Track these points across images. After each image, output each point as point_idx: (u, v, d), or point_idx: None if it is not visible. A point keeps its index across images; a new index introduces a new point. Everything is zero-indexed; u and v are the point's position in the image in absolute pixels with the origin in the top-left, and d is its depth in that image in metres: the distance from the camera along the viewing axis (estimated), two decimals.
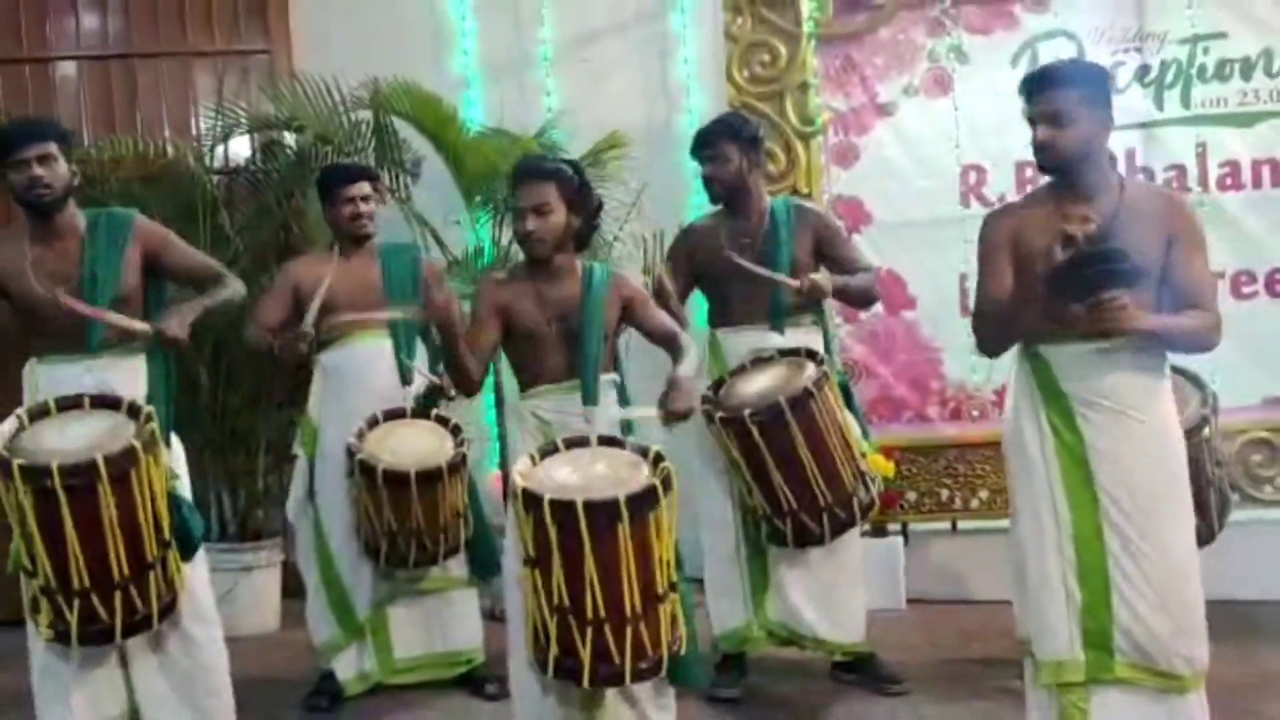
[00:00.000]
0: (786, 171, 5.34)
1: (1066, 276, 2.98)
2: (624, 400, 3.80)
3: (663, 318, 3.75)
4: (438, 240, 5.52)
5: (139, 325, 3.56)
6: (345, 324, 4.35)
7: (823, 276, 4.23)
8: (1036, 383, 3.24)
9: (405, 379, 4.40)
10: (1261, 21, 5.21)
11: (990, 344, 3.38)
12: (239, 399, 5.54)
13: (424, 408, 4.36)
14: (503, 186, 5.45)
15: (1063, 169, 3.20)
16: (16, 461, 3.21)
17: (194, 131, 5.82)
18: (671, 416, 3.45)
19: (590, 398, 3.60)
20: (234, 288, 3.81)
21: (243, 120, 5.66)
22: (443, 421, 4.32)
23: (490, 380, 5.60)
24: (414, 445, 4.19)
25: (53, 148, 3.56)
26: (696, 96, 5.77)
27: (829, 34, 5.39)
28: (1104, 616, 3.13)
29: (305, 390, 4.50)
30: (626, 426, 3.73)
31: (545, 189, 3.53)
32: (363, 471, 4.10)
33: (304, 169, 5.51)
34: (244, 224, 5.61)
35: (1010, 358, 3.38)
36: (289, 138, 5.65)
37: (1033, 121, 3.20)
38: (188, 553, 3.54)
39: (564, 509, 3.09)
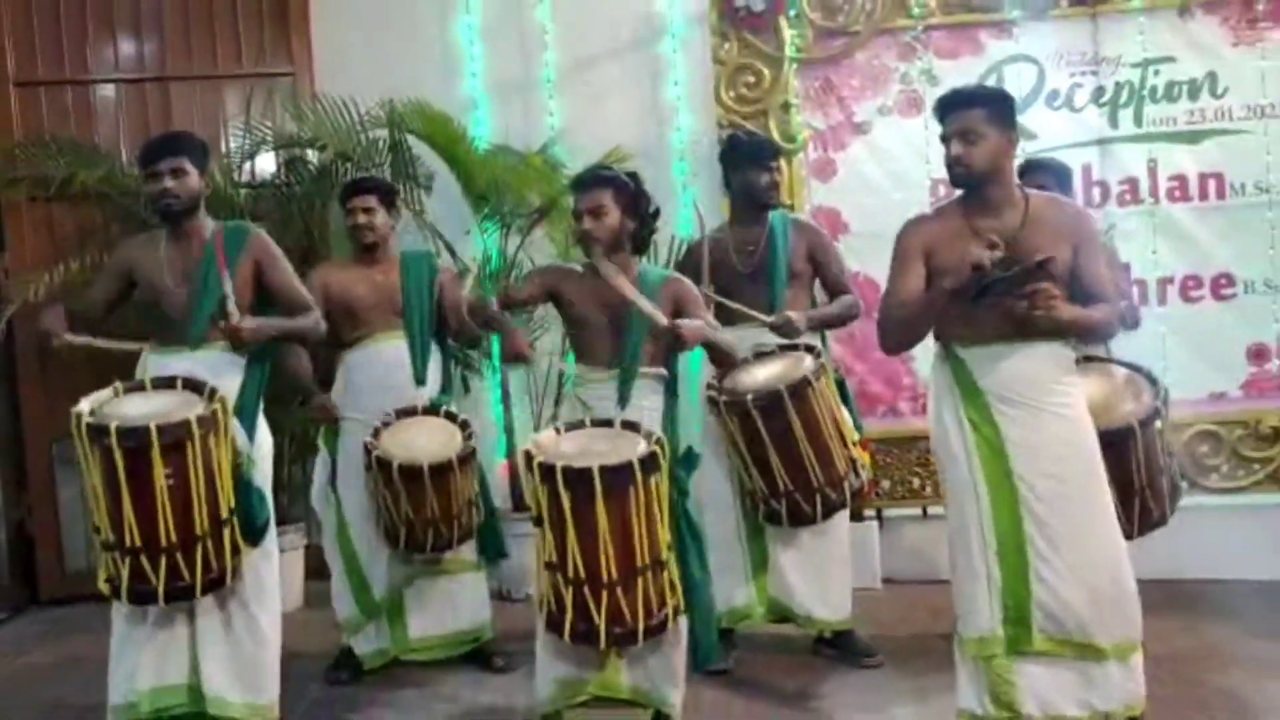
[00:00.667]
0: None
1: (988, 286, 3.05)
2: (672, 395, 3.82)
3: (708, 317, 3.79)
4: (450, 249, 5.55)
5: (233, 311, 3.65)
6: (367, 326, 4.43)
7: (799, 316, 4.25)
8: (955, 381, 3.28)
9: (420, 379, 4.46)
10: (1207, 47, 5.21)
11: (892, 341, 3.43)
12: (269, 401, 5.58)
13: (434, 405, 4.43)
14: (509, 199, 5.52)
15: (973, 184, 3.23)
16: (86, 420, 3.33)
17: (223, 148, 5.82)
18: (662, 331, 3.54)
19: (626, 389, 3.67)
20: (315, 319, 3.91)
21: (268, 138, 5.69)
22: (452, 417, 4.36)
23: (496, 377, 5.73)
24: (426, 441, 4.23)
25: (185, 162, 3.69)
26: (686, 116, 5.76)
27: (809, 58, 5.41)
28: (1023, 595, 3.17)
29: (328, 388, 4.51)
30: (669, 385, 3.81)
31: (601, 194, 3.65)
32: (380, 467, 4.15)
33: (325, 183, 5.57)
34: (270, 234, 5.63)
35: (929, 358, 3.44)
36: (311, 154, 5.67)
37: (946, 140, 3.24)
38: (250, 536, 3.62)
39: (547, 473, 3.22)
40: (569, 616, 3.30)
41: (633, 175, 3.79)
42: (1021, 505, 3.19)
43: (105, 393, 3.53)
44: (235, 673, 3.66)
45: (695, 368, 4.70)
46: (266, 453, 3.84)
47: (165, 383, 3.58)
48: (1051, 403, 3.23)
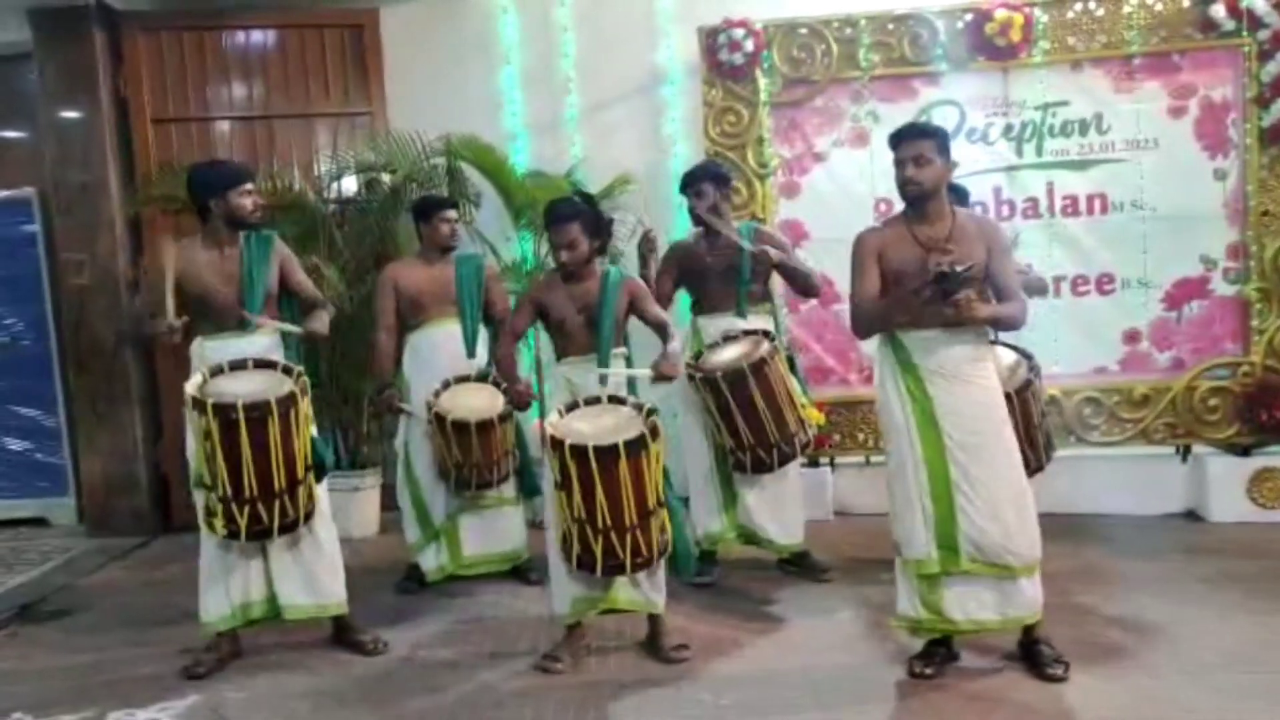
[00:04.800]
0: (748, 201, 5.34)
1: (934, 290, 3.06)
2: (630, 368, 3.83)
3: (657, 310, 3.79)
4: (494, 252, 5.55)
5: (294, 328, 3.71)
6: (427, 312, 4.44)
7: (771, 248, 4.27)
8: (896, 359, 3.29)
9: (470, 353, 4.46)
10: (1094, 93, 5.18)
11: (862, 330, 3.42)
12: (350, 368, 5.60)
13: (483, 375, 4.43)
14: (541, 214, 5.58)
15: (921, 198, 3.23)
16: (210, 400, 3.34)
17: (315, 172, 5.84)
18: (660, 378, 3.55)
19: (603, 366, 3.68)
20: (329, 313, 3.92)
21: (351, 164, 5.69)
22: (496, 384, 4.36)
23: (530, 354, 5.73)
24: (474, 401, 4.25)
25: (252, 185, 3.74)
26: (681, 146, 5.76)
27: (778, 102, 5.38)
28: (951, 526, 3.20)
29: (399, 362, 4.52)
30: (630, 384, 3.83)
31: (570, 228, 3.62)
32: (437, 421, 4.18)
33: (396, 200, 5.56)
34: (351, 241, 5.65)
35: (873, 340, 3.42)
36: (385, 177, 5.66)
37: (900, 164, 3.23)
38: (320, 475, 3.65)
39: (579, 452, 3.22)
40: (599, 557, 3.32)
41: (587, 197, 3.78)
42: (948, 455, 3.21)
43: (197, 376, 3.52)
44: (303, 581, 3.69)
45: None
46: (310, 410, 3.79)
47: (240, 365, 3.57)
48: (972, 375, 3.24)
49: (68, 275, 5.78)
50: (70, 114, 5.72)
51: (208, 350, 3.70)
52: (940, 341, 3.22)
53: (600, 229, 3.71)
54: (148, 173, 5.79)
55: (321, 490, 3.72)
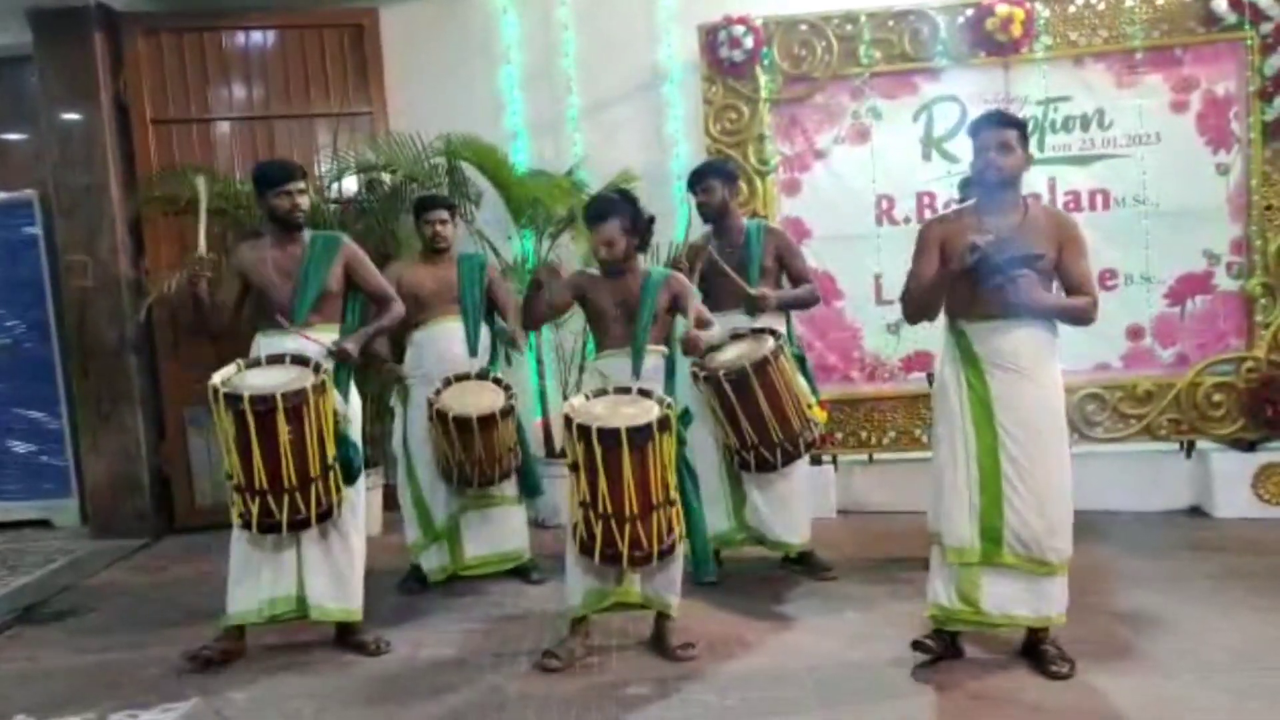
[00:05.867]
0: (749, 199, 5.30)
1: (981, 266, 3.04)
2: (671, 370, 3.80)
3: (701, 307, 3.74)
4: (495, 251, 5.53)
5: (326, 342, 3.71)
6: (430, 311, 4.43)
7: (772, 294, 4.29)
8: (958, 348, 3.28)
9: (472, 351, 4.45)
10: (1096, 88, 5.15)
11: (912, 315, 3.39)
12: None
13: (484, 373, 4.41)
14: (542, 212, 5.51)
15: (1001, 185, 3.18)
16: (223, 390, 3.36)
17: (316, 172, 5.81)
18: (688, 350, 3.55)
19: (638, 363, 3.67)
20: (398, 310, 3.95)
21: (351, 164, 5.66)
22: (498, 382, 4.36)
23: (532, 352, 5.72)
24: (476, 399, 4.24)
25: (304, 184, 3.73)
26: (682, 144, 5.73)
27: (779, 99, 5.35)
28: (996, 518, 3.18)
29: (402, 359, 4.53)
30: (669, 375, 3.77)
31: (610, 227, 3.62)
32: (439, 418, 4.16)
33: (397, 200, 5.55)
34: (353, 240, 5.63)
35: (909, 334, 3.40)
36: (386, 177, 5.64)
37: (983, 149, 3.18)
38: (349, 479, 3.64)
39: (584, 431, 3.21)
40: (599, 544, 3.31)
41: (627, 196, 3.75)
42: (1000, 448, 3.19)
43: (230, 368, 3.55)
44: (333, 584, 3.69)
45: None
46: (357, 413, 3.84)
47: (277, 359, 3.59)
48: (1033, 370, 3.21)
49: (70, 277, 5.77)
50: (71, 116, 5.70)
51: (261, 345, 3.74)
52: (1000, 330, 3.20)
53: (639, 226, 3.70)
54: (149, 174, 5.77)
55: (358, 494, 3.73)
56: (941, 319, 3.39)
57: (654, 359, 3.73)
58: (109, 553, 5.49)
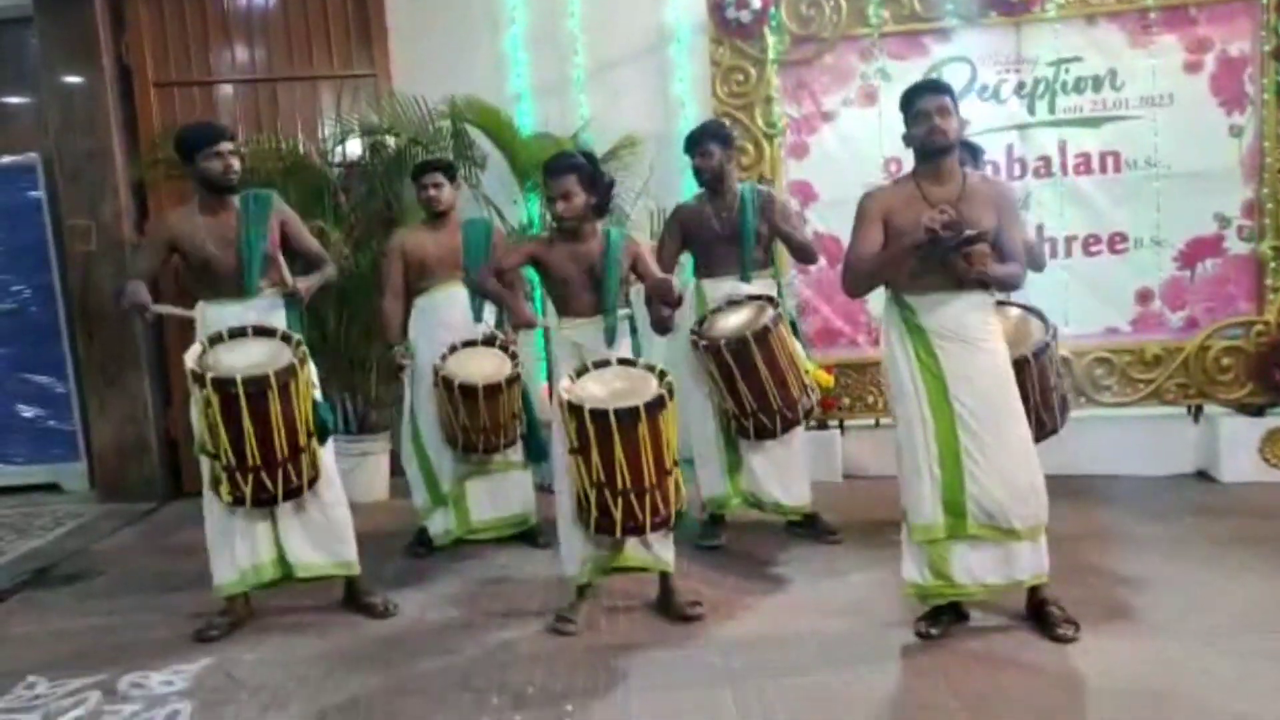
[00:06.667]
0: (756, 162, 5.27)
1: (938, 245, 3.01)
2: (634, 330, 3.77)
3: (657, 269, 3.71)
4: (500, 215, 5.50)
5: (288, 278, 3.64)
6: (434, 277, 4.41)
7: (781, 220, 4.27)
8: (903, 322, 3.25)
9: (477, 318, 4.44)
10: (1109, 48, 5.08)
11: (855, 288, 3.35)
12: (357, 333, 5.58)
13: (489, 339, 4.40)
14: None
15: (943, 152, 3.17)
16: (210, 375, 3.32)
17: (319, 135, 5.80)
18: (664, 286, 3.51)
19: (611, 329, 3.62)
20: (331, 270, 3.89)
21: (355, 127, 5.63)
22: (503, 348, 4.36)
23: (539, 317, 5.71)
24: (481, 366, 4.24)
25: (233, 145, 3.62)
26: (689, 107, 5.68)
27: (786, 60, 5.30)
28: (958, 491, 3.18)
29: (405, 323, 4.49)
30: (633, 333, 3.73)
31: (567, 180, 3.55)
32: (444, 385, 4.17)
33: (401, 163, 5.50)
34: (357, 204, 5.62)
35: (881, 303, 3.37)
36: (389, 140, 5.61)
37: (924, 115, 3.15)
38: (323, 439, 3.62)
39: (600, 415, 3.20)
40: (618, 519, 3.31)
41: (589, 155, 3.69)
42: (957, 421, 3.18)
43: (196, 348, 3.47)
44: (313, 539, 3.69)
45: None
46: (313, 371, 3.70)
47: (239, 332, 3.52)
48: (978, 339, 3.20)
49: (74, 242, 5.76)
50: (72, 78, 5.67)
51: (209, 316, 3.65)
52: (946, 302, 3.18)
53: (598, 186, 3.63)
54: (151, 137, 5.75)
55: (327, 452, 3.70)
56: (880, 291, 3.36)
57: (623, 325, 3.68)
58: (118, 516, 5.53)
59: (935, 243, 3.01)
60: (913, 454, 3.24)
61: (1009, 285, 3.27)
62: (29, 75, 6.02)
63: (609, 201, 3.77)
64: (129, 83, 5.77)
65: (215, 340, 3.51)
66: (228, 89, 5.92)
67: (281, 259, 3.73)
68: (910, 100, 3.24)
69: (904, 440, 3.28)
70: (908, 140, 3.26)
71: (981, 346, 3.20)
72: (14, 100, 6.27)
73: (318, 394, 3.69)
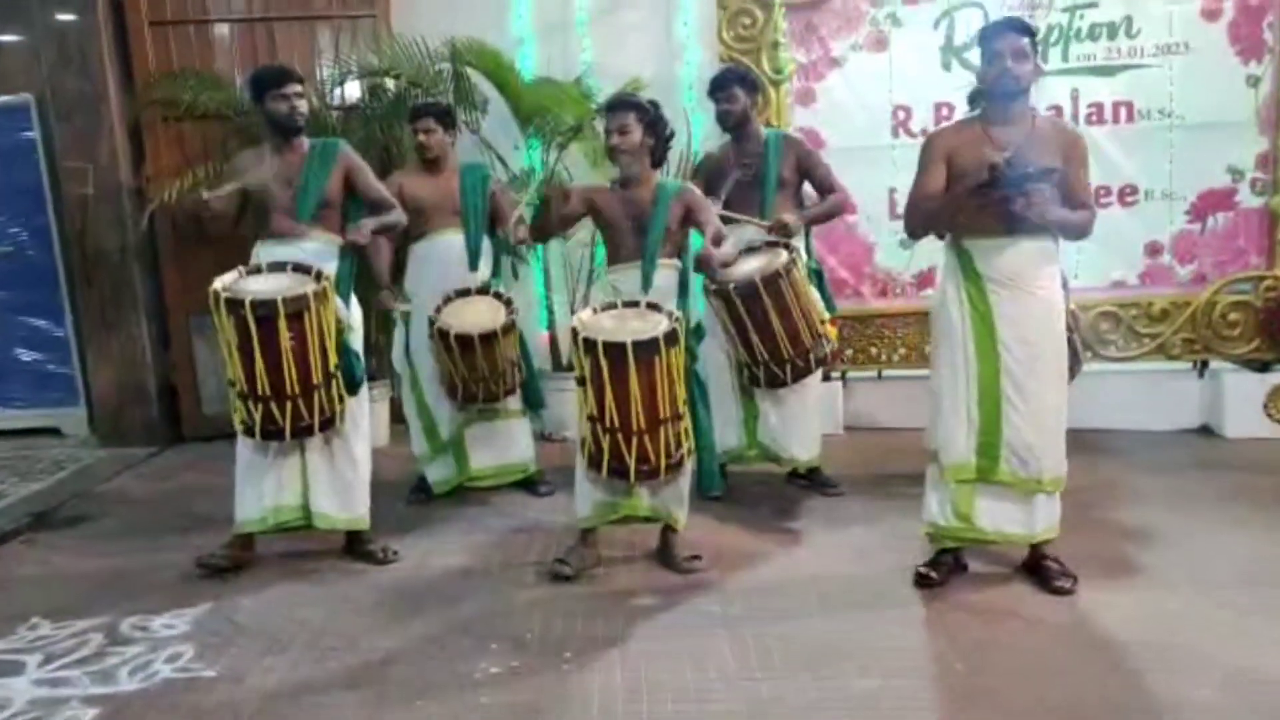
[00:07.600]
0: (762, 109, 5.15)
1: (999, 183, 2.97)
2: (684, 285, 3.73)
3: (717, 224, 3.66)
4: (501, 161, 5.45)
5: (337, 237, 3.73)
6: (430, 223, 4.37)
7: (792, 219, 4.18)
8: (959, 265, 3.24)
9: (473, 266, 4.41)
10: None
11: (916, 230, 3.35)
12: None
13: (484, 287, 4.38)
14: (549, 120, 5.40)
15: (1015, 96, 3.11)
16: (224, 295, 3.35)
17: (318, 77, 5.71)
18: (704, 258, 3.47)
19: (648, 276, 3.61)
20: (400, 213, 3.92)
21: (354, 69, 5.55)
22: (499, 296, 4.34)
23: (539, 264, 5.69)
24: (476, 315, 4.22)
25: (302, 88, 3.66)
26: (694, 51, 5.59)
27: (794, 3, 5.21)
28: (995, 434, 3.20)
29: (402, 273, 4.51)
30: (683, 288, 3.71)
31: (626, 116, 3.57)
32: (440, 335, 4.16)
33: (400, 106, 5.41)
34: (356, 147, 5.51)
35: (924, 249, 3.33)
36: (389, 83, 5.54)
37: (996, 56, 3.08)
38: (352, 388, 3.66)
39: (590, 344, 3.21)
40: (606, 458, 3.33)
41: (653, 103, 3.68)
42: (1001, 365, 3.18)
43: (231, 275, 3.53)
44: (337, 493, 3.73)
45: None
46: (359, 323, 3.83)
47: (278, 266, 3.59)
48: (1034, 286, 3.18)
49: (70, 184, 5.71)
50: (66, 16, 5.57)
51: (262, 253, 3.72)
52: (1004, 247, 3.16)
53: (657, 130, 3.63)
54: (147, 77, 5.67)
55: (360, 404, 3.73)
56: (887, 240, 3.33)
57: (666, 273, 3.67)
58: (118, 460, 5.55)
59: (995, 182, 2.97)
60: (954, 394, 3.25)
61: (1072, 232, 3.22)
62: (22, 13, 5.90)
63: (666, 151, 3.75)
64: (123, 21, 5.67)
65: (253, 271, 3.56)
66: (224, 29, 5.82)
67: (340, 214, 3.78)
68: (988, 37, 3.16)
69: (945, 381, 3.28)
70: (980, 77, 3.21)
71: (1036, 294, 3.18)
72: (6, 39, 6.17)
73: (356, 340, 3.73)
